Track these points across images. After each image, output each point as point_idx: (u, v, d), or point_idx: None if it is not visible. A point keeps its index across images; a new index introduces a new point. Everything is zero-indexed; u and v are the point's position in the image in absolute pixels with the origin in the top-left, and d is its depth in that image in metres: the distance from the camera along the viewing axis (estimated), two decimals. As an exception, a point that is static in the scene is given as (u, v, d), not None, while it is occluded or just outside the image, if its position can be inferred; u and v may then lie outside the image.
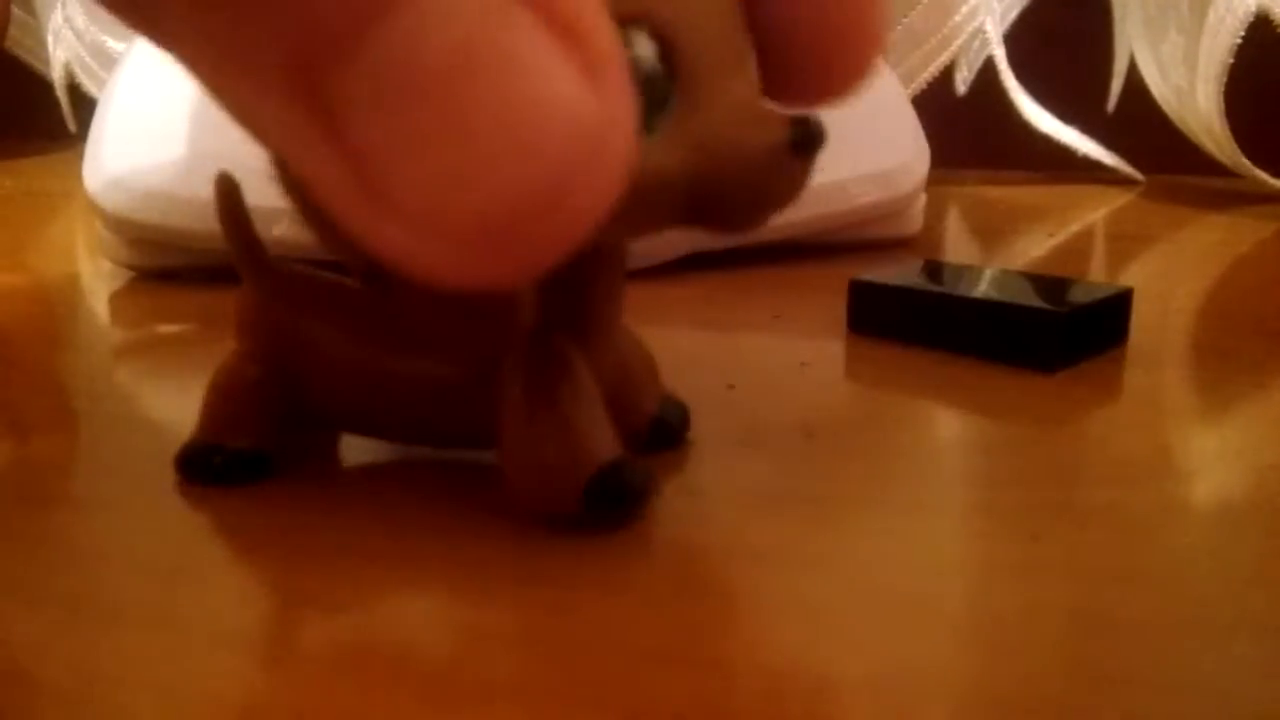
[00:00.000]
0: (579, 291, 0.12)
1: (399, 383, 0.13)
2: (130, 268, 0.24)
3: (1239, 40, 0.31)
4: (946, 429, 0.15)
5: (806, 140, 0.10)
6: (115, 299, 0.23)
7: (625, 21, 0.10)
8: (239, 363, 0.14)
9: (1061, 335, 0.17)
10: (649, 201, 0.10)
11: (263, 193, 0.22)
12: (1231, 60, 0.31)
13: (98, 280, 0.25)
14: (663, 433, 0.14)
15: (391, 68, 0.07)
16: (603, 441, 0.12)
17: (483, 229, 0.07)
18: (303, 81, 0.07)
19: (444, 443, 0.13)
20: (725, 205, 0.10)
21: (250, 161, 0.22)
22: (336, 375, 0.13)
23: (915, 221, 0.27)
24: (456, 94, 0.07)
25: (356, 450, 0.14)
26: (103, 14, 0.43)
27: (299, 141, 0.07)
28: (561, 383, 0.12)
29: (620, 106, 0.07)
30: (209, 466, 0.13)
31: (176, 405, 0.17)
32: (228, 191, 0.14)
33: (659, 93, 0.10)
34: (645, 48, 0.10)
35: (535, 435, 0.12)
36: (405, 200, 0.07)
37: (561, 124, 0.07)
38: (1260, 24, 0.31)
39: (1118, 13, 0.38)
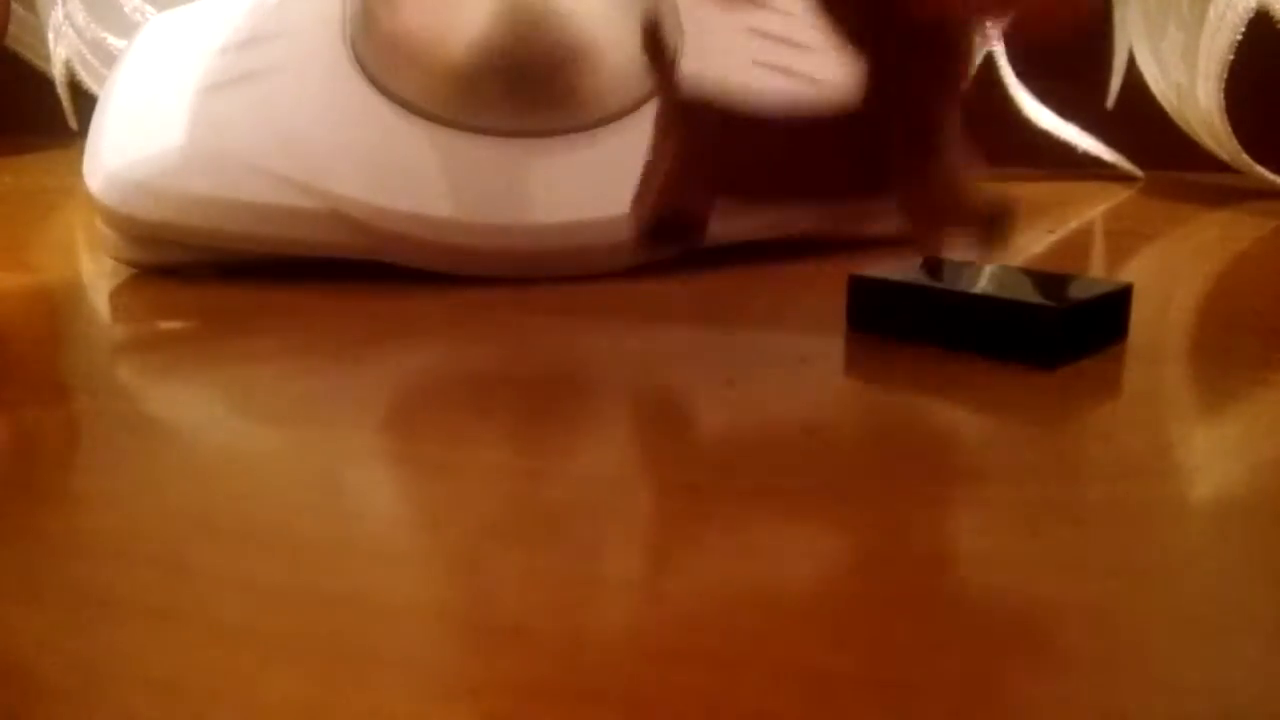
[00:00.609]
0: (946, 68, 0.17)
1: (804, 142, 0.17)
2: (131, 264, 0.24)
3: (1239, 37, 0.31)
4: (945, 425, 0.16)
5: (999, 225, 0.17)
6: (116, 295, 0.23)
7: None
8: (668, 152, 0.18)
9: (1061, 331, 0.17)
10: None
11: (260, 189, 0.22)
12: (1232, 57, 0.31)
13: (98, 277, 0.25)
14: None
15: None
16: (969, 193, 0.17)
17: None
18: None
19: (839, 201, 0.20)
20: (928, 221, 0.17)
21: (250, 158, 0.23)
22: (750, 148, 0.18)
23: (915, 218, 0.27)
24: None
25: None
26: (102, 10, 0.43)
27: None
28: (943, 141, 0.17)
29: None
30: (667, 230, 0.18)
31: (178, 401, 0.17)
32: (651, 26, 0.18)
33: None
34: None
35: (936, 176, 0.17)
36: None
37: None
38: (1261, 20, 0.31)
39: (1117, 9, 0.38)
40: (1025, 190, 0.36)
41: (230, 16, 0.25)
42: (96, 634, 0.10)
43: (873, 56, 0.16)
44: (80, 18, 0.43)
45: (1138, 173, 0.37)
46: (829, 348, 0.19)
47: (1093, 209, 0.33)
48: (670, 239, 0.18)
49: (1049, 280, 0.19)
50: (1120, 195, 0.35)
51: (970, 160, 0.18)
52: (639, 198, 0.18)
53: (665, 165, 0.18)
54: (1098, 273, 0.26)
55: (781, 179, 0.18)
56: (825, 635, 0.10)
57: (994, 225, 0.18)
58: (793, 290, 0.23)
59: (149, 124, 0.23)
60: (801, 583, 0.11)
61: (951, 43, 0.17)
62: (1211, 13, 0.31)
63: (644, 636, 0.10)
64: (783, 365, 0.18)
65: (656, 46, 0.18)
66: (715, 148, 0.18)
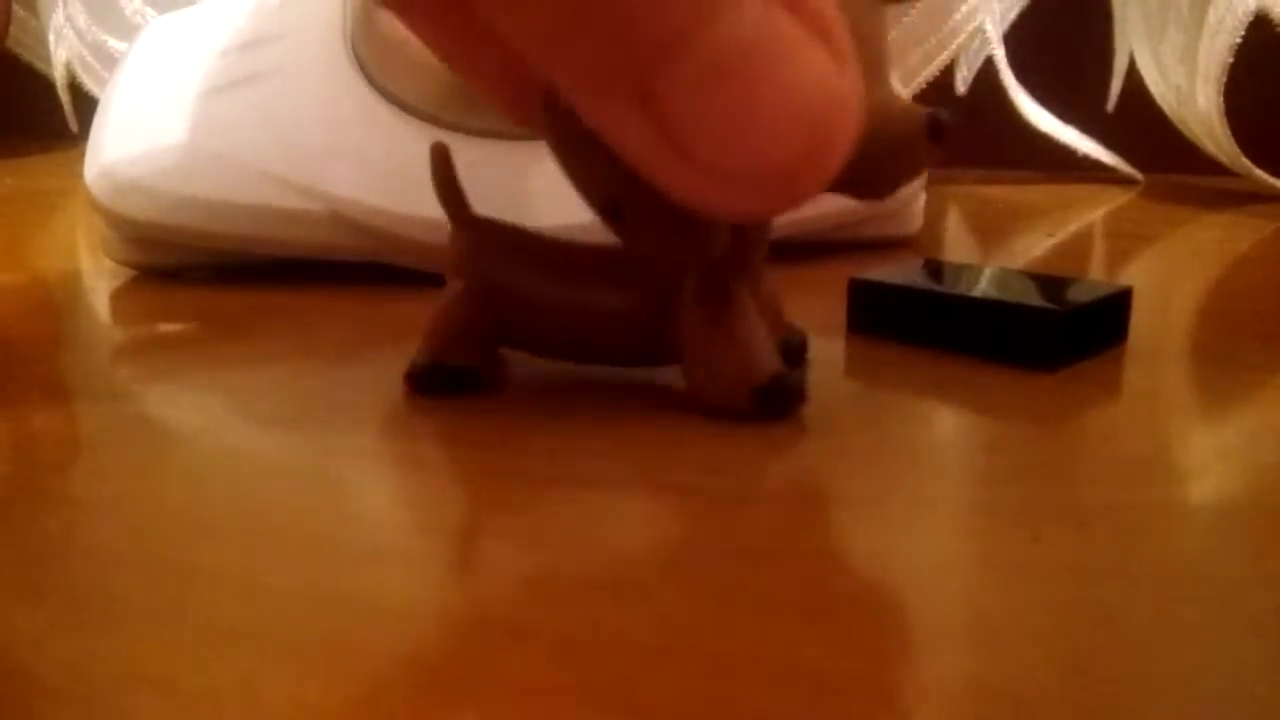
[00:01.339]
0: (743, 237, 0.15)
1: (585, 313, 0.16)
2: (131, 266, 0.24)
3: (1239, 40, 0.31)
4: (946, 427, 0.16)
5: (939, 128, 0.13)
6: (116, 297, 0.23)
7: None
8: (453, 297, 0.16)
9: (1061, 334, 0.17)
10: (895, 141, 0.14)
11: (261, 191, 0.22)
12: (1231, 60, 0.31)
13: (99, 279, 0.25)
14: (790, 355, 0.17)
15: (704, 63, 0.09)
16: (769, 356, 0.15)
17: (770, 174, 0.10)
18: (634, 79, 0.10)
19: (625, 363, 0.16)
20: (874, 173, 0.13)
21: (251, 160, 0.23)
22: (530, 309, 0.16)
23: (915, 220, 0.27)
24: (751, 78, 0.09)
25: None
26: (103, 12, 0.43)
27: (621, 122, 0.10)
28: (733, 308, 0.15)
29: (856, 82, 0.10)
30: (431, 380, 0.16)
31: (177, 403, 0.17)
32: (440, 156, 0.17)
33: None
34: None
35: (714, 352, 0.15)
36: (712, 157, 0.10)
37: (824, 96, 0.10)
38: (1260, 23, 0.31)
39: (1117, 12, 0.38)
40: (1025, 193, 0.36)
41: (231, 19, 0.25)
42: (96, 634, 0.10)
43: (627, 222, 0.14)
44: (81, 20, 0.43)
45: (1138, 175, 0.37)
46: (830, 349, 0.19)
47: (1093, 211, 0.33)
48: (440, 388, 0.16)
49: (1049, 283, 0.19)
50: (1120, 198, 0.35)
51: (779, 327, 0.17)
52: (424, 337, 0.17)
53: (450, 308, 0.16)
54: (1098, 275, 0.26)
55: (564, 339, 0.16)
56: (825, 637, 0.10)
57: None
58: (794, 292, 0.23)
59: (150, 126, 0.24)
60: (802, 585, 0.11)
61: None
62: (1211, 16, 0.31)
63: (639, 635, 0.10)
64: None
65: (448, 184, 0.17)
66: (500, 296, 0.16)
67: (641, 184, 0.11)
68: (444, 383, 0.16)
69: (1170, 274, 0.26)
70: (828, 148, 0.10)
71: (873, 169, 0.13)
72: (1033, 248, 0.29)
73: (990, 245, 0.29)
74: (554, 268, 0.16)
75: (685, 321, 0.15)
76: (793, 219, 0.25)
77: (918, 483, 0.13)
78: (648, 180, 0.11)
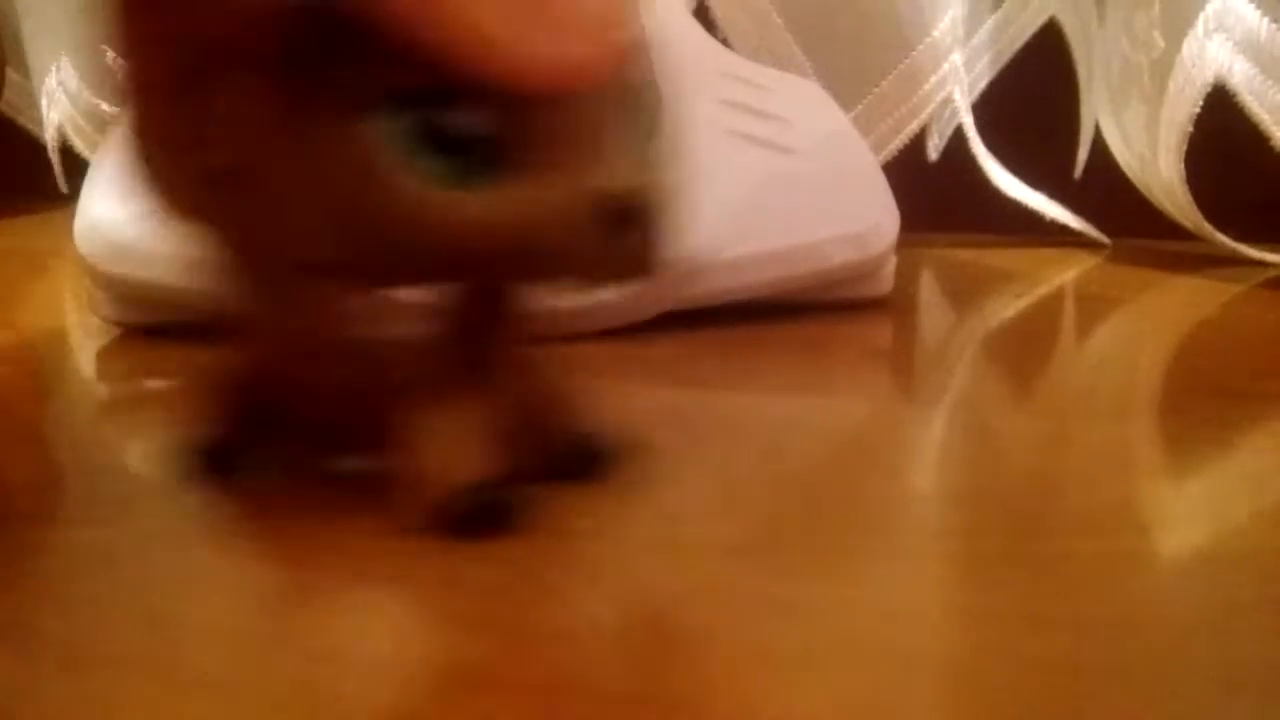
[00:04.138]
0: (476, 326, 0.14)
1: (327, 390, 0.14)
2: (119, 324, 0.25)
3: (1198, 109, 0.32)
4: (911, 482, 0.16)
5: (619, 213, 0.11)
6: (102, 355, 0.23)
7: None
8: (223, 364, 0.15)
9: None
10: (474, 246, 0.11)
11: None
12: (1191, 128, 0.32)
13: (85, 336, 0.25)
14: (570, 465, 0.14)
15: None
16: (458, 467, 0.13)
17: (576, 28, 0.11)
18: None
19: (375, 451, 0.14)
20: (542, 268, 0.12)
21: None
22: (286, 383, 0.14)
23: (886, 282, 0.28)
24: None
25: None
26: (95, 76, 0.44)
27: None
28: (434, 408, 0.13)
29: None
30: (190, 458, 0.15)
31: (159, 456, 0.17)
32: None
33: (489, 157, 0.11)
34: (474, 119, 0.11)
35: (407, 455, 0.13)
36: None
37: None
38: (1219, 93, 0.32)
39: (1083, 82, 0.39)
40: (996, 256, 0.37)
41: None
42: (73, 682, 0.10)
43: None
44: (73, 84, 0.44)
45: (1104, 239, 0.38)
46: (802, 406, 0.19)
47: (1062, 274, 0.34)
48: (209, 466, 0.15)
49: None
50: (1088, 261, 0.36)
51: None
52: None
53: (221, 375, 0.15)
54: (1067, 336, 0.26)
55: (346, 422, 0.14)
56: (787, 684, 0.10)
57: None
58: (767, 351, 0.24)
59: (140, 188, 0.24)
60: (764, 634, 0.11)
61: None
62: (1171, 86, 0.33)
63: (607, 681, 0.10)
64: (754, 423, 0.18)
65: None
66: (269, 374, 0.14)
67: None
68: (211, 462, 0.15)
69: (1137, 334, 0.27)
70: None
71: (539, 257, 0.11)
72: (1003, 309, 0.29)
73: (961, 306, 0.30)
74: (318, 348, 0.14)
75: (397, 414, 0.13)
76: (767, 280, 0.25)
77: (878, 532, 0.14)
78: (441, 59, 0.10)
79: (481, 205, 0.11)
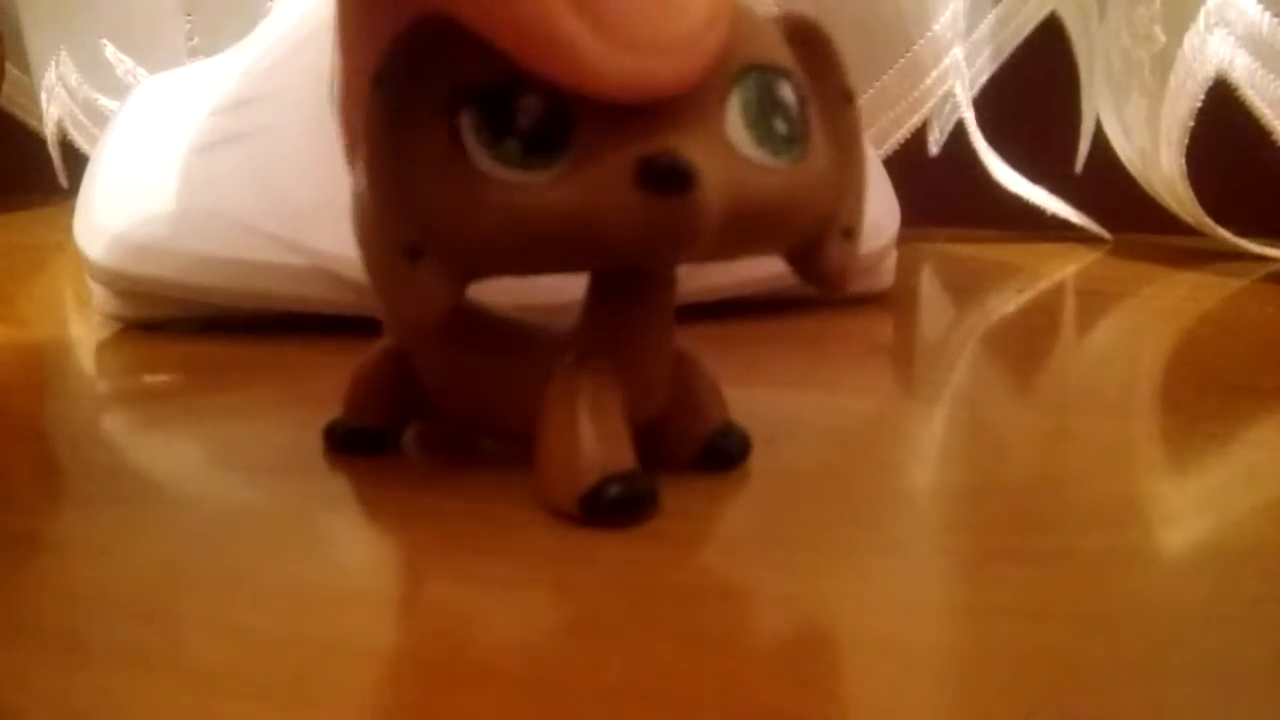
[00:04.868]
0: (617, 313, 0.14)
1: (480, 379, 0.15)
2: (119, 319, 0.25)
3: (1199, 103, 0.32)
4: (912, 477, 0.16)
5: (654, 174, 0.11)
6: (102, 350, 0.24)
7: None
8: (374, 357, 0.16)
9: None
10: (545, 237, 0.12)
11: (249, 246, 0.23)
12: (1192, 123, 0.32)
13: (85, 331, 0.25)
14: (714, 456, 0.15)
15: None
16: (604, 455, 0.13)
17: (677, 40, 0.11)
18: None
19: (517, 436, 0.14)
20: (605, 246, 0.12)
21: (238, 216, 0.23)
22: (434, 370, 0.15)
23: (887, 277, 0.28)
24: None
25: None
26: (95, 72, 0.44)
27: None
28: (580, 396, 0.13)
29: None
30: (337, 438, 0.16)
31: (161, 453, 0.17)
32: None
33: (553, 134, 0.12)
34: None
35: (548, 443, 0.13)
36: (621, 23, 0.11)
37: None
38: (1220, 87, 0.32)
39: (1084, 77, 0.39)
40: (997, 251, 0.37)
41: (220, 80, 0.26)
42: (76, 679, 0.10)
43: None
44: (73, 79, 0.44)
45: (1105, 234, 0.38)
46: (802, 401, 0.19)
47: (1063, 269, 0.34)
48: (350, 448, 0.16)
49: None
50: (1089, 256, 0.36)
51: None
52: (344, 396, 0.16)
53: (364, 370, 0.16)
54: (1068, 331, 0.26)
55: (467, 408, 0.15)
56: (787, 679, 0.10)
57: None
58: (768, 347, 0.24)
59: (139, 182, 0.24)
60: (765, 628, 0.11)
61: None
62: (1173, 81, 0.33)
63: (607, 677, 0.10)
64: (754, 418, 0.18)
65: None
66: (412, 361, 0.15)
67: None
68: (356, 444, 0.16)
69: (1137, 329, 0.27)
70: (722, 12, 0.11)
71: (609, 234, 0.12)
72: (1004, 304, 0.29)
73: (962, 301, 0.30)
74: (470, 337, 0.15)
75: (542, 402, 0.14)
76: (769, 274, 0.25)
77: (879, 528, 0.14)
78: (530, 63, 0.11)
79: (549, 184, 0.12)
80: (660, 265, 0.13)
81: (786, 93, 0.12)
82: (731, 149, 0.12)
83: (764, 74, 0.12)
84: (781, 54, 0.13)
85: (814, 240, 0.13)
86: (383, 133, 0.12)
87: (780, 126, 0.12)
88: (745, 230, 0.12)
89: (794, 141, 0.12)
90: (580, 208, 0.11)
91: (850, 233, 0.14)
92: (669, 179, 0.11)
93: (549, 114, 0.12)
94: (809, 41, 0.13)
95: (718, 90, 0.12)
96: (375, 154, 0.12)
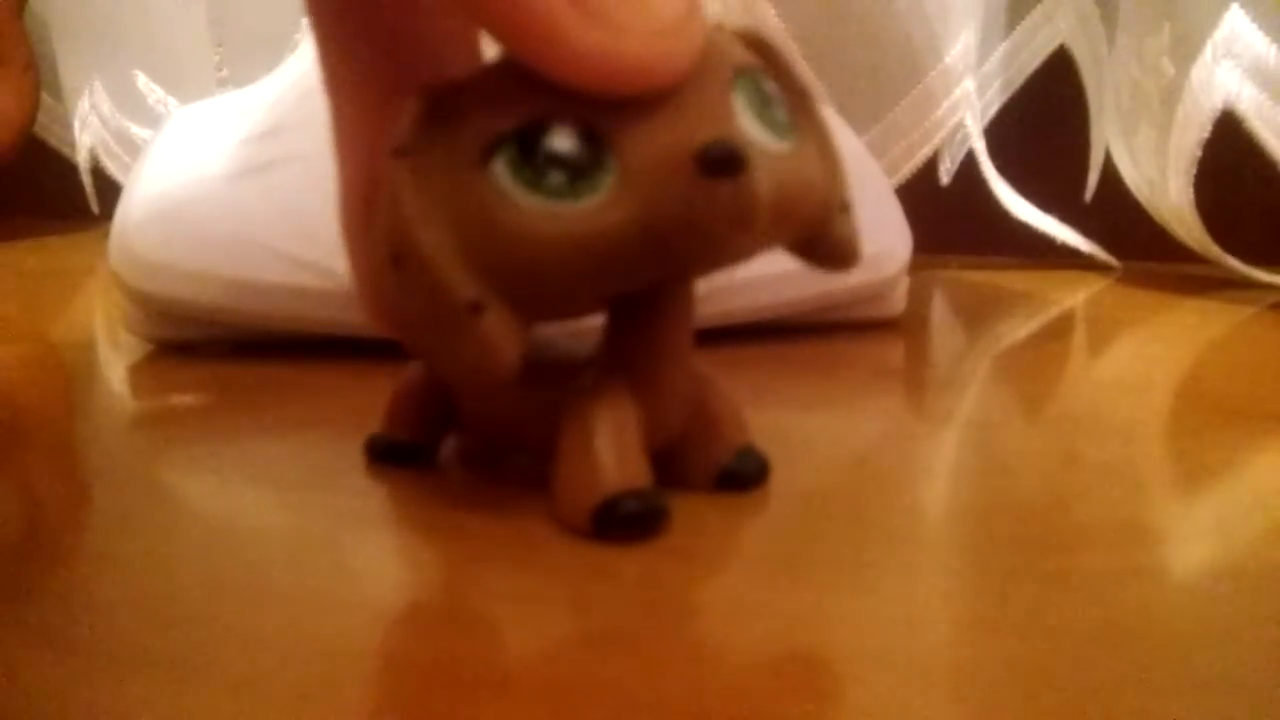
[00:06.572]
0: (635, 334, 0.14)
1: (506, 399, 0.15)
2: (151, 340, 0.25)
3: (1207, 135, 0.32)
4: (922, 498, 0.16)
5: (712, 160, 0.12)
6: (133, 371, 0.24)
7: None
8: (412, 375, 0.16)
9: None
10: (612, 256, 0.12)
11: (277, 270, 0.23)
12: (1200, 153, 0.32)
13: (116, 353, 0.26)
14: (732, 479, 0.15)
15: None
16: (618, 471, 0.13)
17: (663, 29, 0.12)
18: None
19: (542, 453, 0.15)
20: (676, 245, 0.12)
21: (268, 241, 0.24)
22: (466, 393, 0.16)
23: (899, 303, 0.28)
24: None
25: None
26: (126, 101, 0.45)
27: None
28: (597, 414, 0.14)
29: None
30: (377, 451, 0.16)
31: (190, 469, 0.17)
32: None
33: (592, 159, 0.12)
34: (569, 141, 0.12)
35: (564, 459, 0.14)
36: (610, 10, 0.11)
37: None
38: (1227, 118, 0.32)
39: (1093, 108, 0.40)
40: (1007, 278, 0.37)
41: (252, 110, 0.27)
42: (111, 684, 0.10)
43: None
44: (106, 108, 0.45)
45: (1114, 262, 0.38)
46: (812, 424, 0.19)
47: (1072, 296, 0.34)
48: (391, 460, 0.16)
49: None
50: (1098, 283, 0.36)
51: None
52: (384, 411, 0.17)
53: (406, 386, 0.16)
54: (1077, 357, 0.27)
55: (497, 427, 0.16)
56: (802, 693, 0.10)
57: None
58: (781, 371, 0.24)
59: (173, 208, 0.25)
60: (780, 643, 0.11)
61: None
62: (1180, 112, 0.33)
63: (623, 689, 0.10)
64: (769, 441, 0.18)
65: None
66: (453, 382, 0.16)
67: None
68: (395, 456, 0.16)
69: (1145, 355, 0.27)
70: (700, 3, 0.12)
71: (668, 236, 0.12)
72: (1014, 330, 0.30)
73: (973, 327, 0.30)
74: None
75: (561, 420, 0.14)
76: (781, 300, 0.26)
77: (890, 547, 0.14)
78: (526, 54, 0.11)
79: (604, 206, 0.12)
80: (724, 260, 0.13)
81: (771, 88, 0.13)
82: (750, 138, 0.12)
83: (750, 74, 0.13)
84: (754, 59, 0.14)
85: (823, 221, 0.14)
86: (415, 199, 0.12)
87: (779, 115, 0.13)
88: (785, 211, 0.13)
89: (790, 129, 0.13)
90: (643, 217, 0.12)
91: (846, 206, 0.15)
92: (729, 163, 0.12)
93: (582, 139, 0.12)
94: (764, 50, 0.14)
95: (722, 88, 0.13)
96: (413, 221, 0.12)
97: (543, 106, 0.12)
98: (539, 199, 0.12)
